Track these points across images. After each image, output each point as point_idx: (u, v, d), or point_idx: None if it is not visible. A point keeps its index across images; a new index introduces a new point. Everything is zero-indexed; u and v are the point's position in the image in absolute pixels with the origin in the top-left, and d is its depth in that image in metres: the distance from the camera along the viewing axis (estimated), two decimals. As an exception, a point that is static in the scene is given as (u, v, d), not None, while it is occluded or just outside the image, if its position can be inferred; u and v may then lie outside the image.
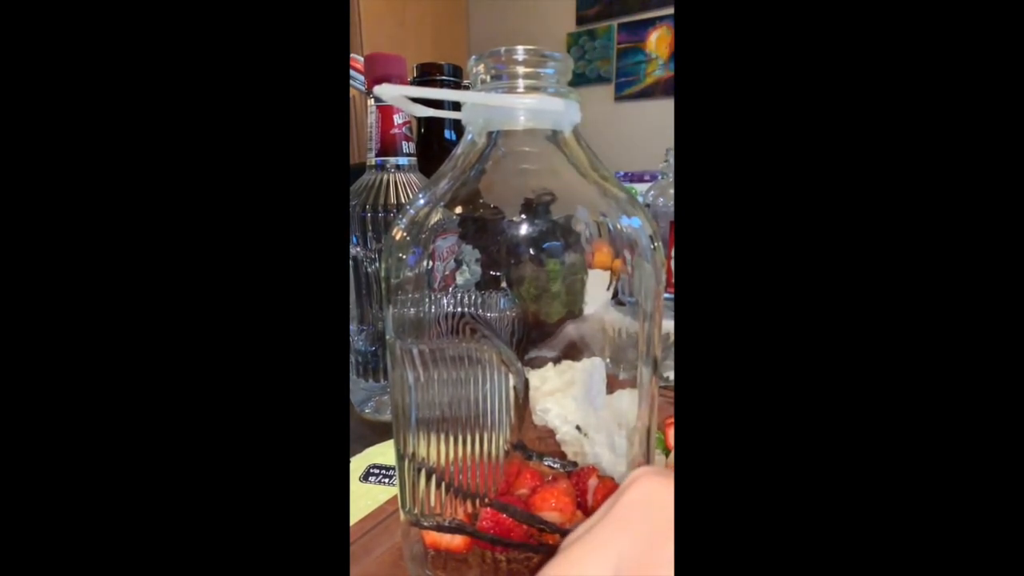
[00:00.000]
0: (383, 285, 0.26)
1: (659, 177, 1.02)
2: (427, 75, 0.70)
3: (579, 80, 2.37)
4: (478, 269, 0.25)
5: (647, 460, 0.27)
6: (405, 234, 0.25)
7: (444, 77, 0.70)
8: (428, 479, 0.26)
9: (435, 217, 0.25)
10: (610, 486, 0.27)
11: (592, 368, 0.28)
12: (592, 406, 0.28)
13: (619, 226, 0.25)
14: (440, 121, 0.73)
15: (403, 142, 0.47)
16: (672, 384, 0.53)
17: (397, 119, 0.46)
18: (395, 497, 0.36)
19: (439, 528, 0.26)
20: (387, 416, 0.50)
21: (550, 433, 0.29)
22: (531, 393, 0.27)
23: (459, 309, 0.25)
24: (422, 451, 0.26)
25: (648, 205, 0.97)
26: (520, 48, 0.23)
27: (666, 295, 0.86)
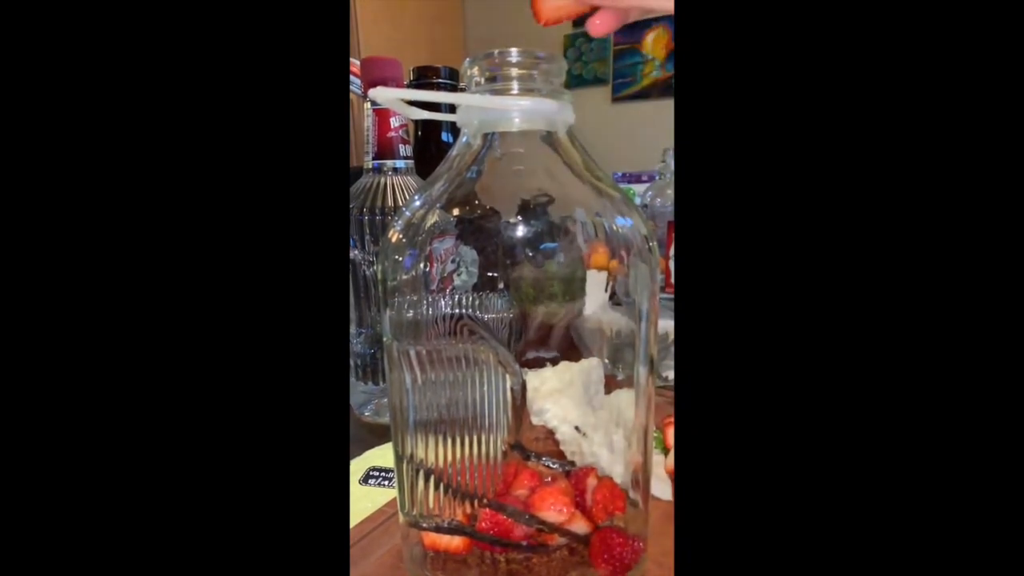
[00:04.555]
0: (380, 287, 0.26)
1: (657, 177, 1.02)
2: (423, 78, 0.70)
3: (576, 82, 2.37)
4: (475, 271, 0.25)
5: (645, 460, 0.28)
6: (401, 236, 0.25)
7: (440, 80, 0.70)
8: (427, 481, 0.26)
9: (431, 219, 0.25)
10: (609, 485, 0.27)
11: (590, 368, 0.29)
12: (590, 406, 0.29)
13: (615, 226, 0.25)
14: (437, 124, 0.73)
15: (400, 145, 0.47)
16: (670, 384, 0.53)
17: (394, 122, 0.46)
18: (395, 499, 0.36)
19: (438, 529, 0.26)
20: (386, 419, 0.50)
21: (548, 433, 0.29)
22: (529, 394, 0.27)
23: (456, 311, 0.25)
24: (420, 453, 0.26)
25: (646, 206, 0.97)
26: (514, 50, 0.23)
27: (663, 295, 0.86)
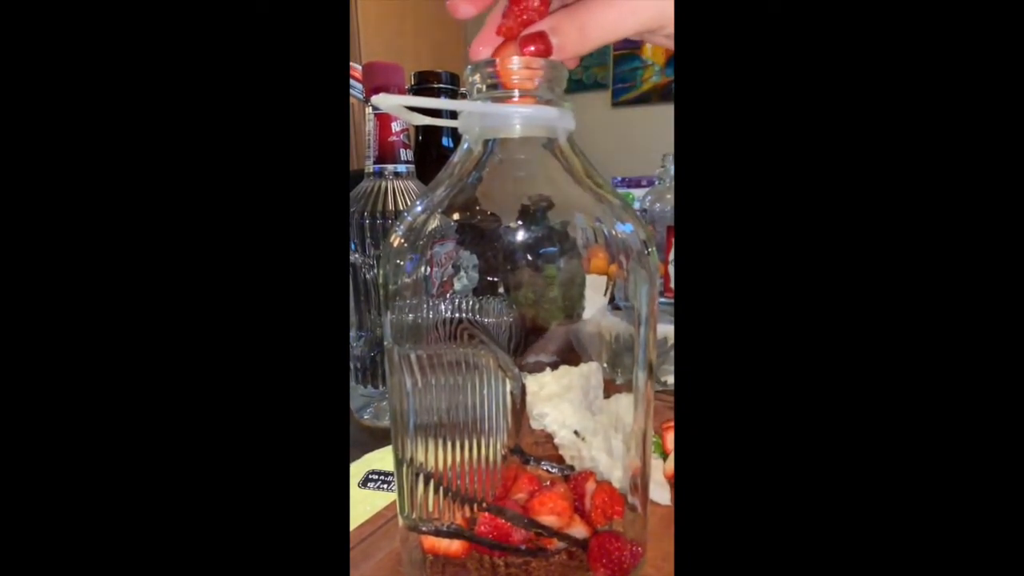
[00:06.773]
0: (381, 291, 0.26)
1: (656, 182, 1.03)
2: (425, 83, 0.71)
3: (576, 86, 2.38)
4: (475, 275, 0.25)
5: (644, 464, 0.28)
6: (403, 241, 0.26)
7: (442, 85, 0.71)
8: (426, 484, 0.26)
9: (433, 224, 0.25)
10: (607, 490, 0.27)
11: (589, 373, 0.29)
12: (589, 410, 0.29)
13: (614, 232, 0.25)
14: (438, 128, 0.74)
15: (401, 149, 0.47)
16: (669, 388, 0.54)
17: (395, 127, 0.46)
18: (394, 503, 0.37)
19: (437, 533, 0.26)
20: (386, 422, 0.50)
21: (548, 438, 0.29)
22: (529, 398, 0.28)
23: (457, 315, 0.25)
24: (420, 456, 0.26)
25: (645, 210, 0.97)
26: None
27: (662, 300, 0.86)
